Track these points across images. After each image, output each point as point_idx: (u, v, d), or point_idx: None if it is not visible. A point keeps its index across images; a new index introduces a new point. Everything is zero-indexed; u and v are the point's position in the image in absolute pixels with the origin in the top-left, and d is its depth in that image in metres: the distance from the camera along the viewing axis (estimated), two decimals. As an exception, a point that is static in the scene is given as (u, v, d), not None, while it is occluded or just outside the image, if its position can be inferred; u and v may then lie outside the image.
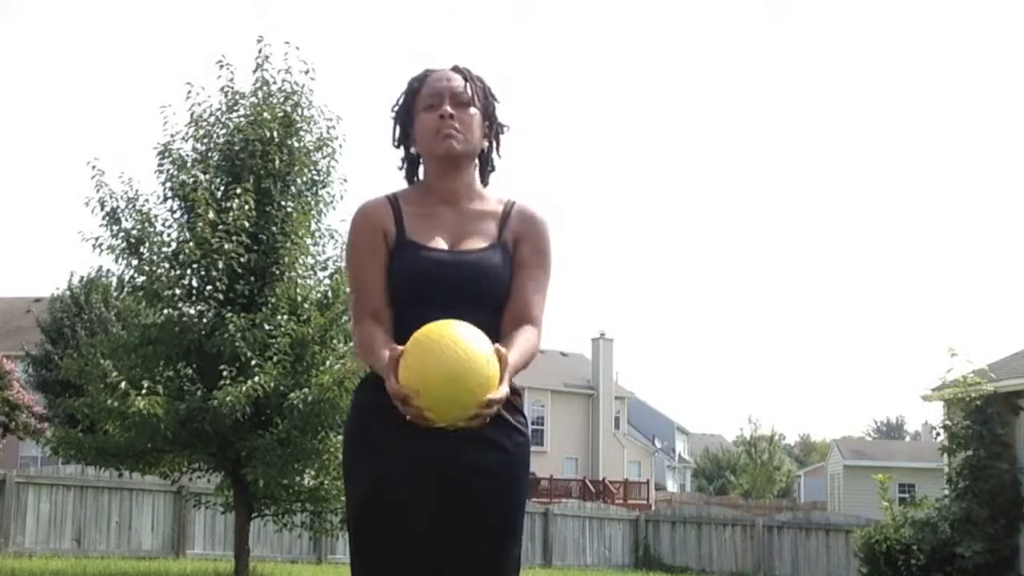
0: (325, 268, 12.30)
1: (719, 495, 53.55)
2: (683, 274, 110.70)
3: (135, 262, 11.37)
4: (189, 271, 11.33)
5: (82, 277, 28.41)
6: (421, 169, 2.64)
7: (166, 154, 11.71)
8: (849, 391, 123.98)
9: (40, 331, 29.05)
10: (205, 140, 11.83)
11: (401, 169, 2.67)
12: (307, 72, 12.03)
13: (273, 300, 11.16)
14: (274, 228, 11.54)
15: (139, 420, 10.50)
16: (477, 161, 2.62)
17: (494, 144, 2.65)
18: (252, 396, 10.55)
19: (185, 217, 11.58)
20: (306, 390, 10.76)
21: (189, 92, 11.82)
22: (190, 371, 11.33)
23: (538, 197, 2.65)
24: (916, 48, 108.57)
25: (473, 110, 2.56)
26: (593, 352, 46.93)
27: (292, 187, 11.91)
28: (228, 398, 10.40)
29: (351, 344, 11.61)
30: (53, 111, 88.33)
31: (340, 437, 10.35)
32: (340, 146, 12.21)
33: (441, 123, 2.51)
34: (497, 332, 2.43)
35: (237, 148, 11.66)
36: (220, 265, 11.01)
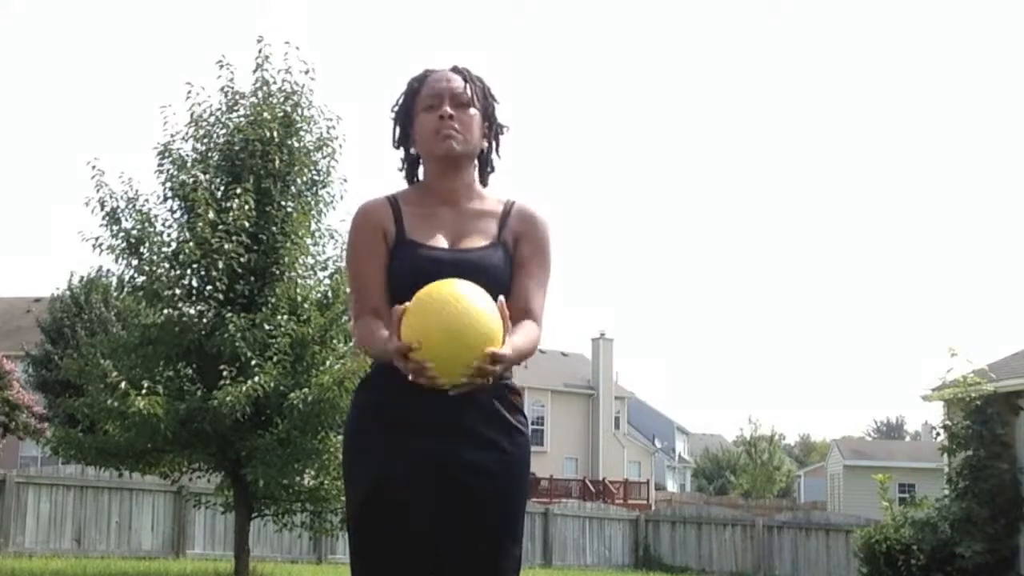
0: (325, 268, 12.30)
1: (719, 495, 53.57)
2: (683, 274, 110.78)
3: (135, 262, 11.38)
4: (189, 271, 11.33)
5: (82, 277, 28.43)
6: (421, 170, 2.65)
7: (166, 154, 11.71)
8: (849, 391, 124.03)
9: (40, 331, 29.05)
10: (205, 140, 11.83)
11: (401, 170, 2.68)
12: (307, 72, 12.05)
13: (273, 300, 11.16)
14: (274, 228, 11.54)
15: (139, 420, 10.51)
16: (477, 161, 2.62)
17: (494, 144, 2.65)
18: (252, 396, 10.55)
19: (185, 217, 11.58)
20: (306, 390, 10.76)
21: (189, 92, 11.83)
22: (190, 371, 11.33)
23: (538, 197, 2.66)
24: (916, 48, 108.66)
25: (473, 111, 2.56)
26: (593, 352, 46.94)
27: (292, 187, 11.92)
28: (228, 398, 10.41)
29: (351, 344, 11.62)
30: (53, 111, 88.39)
31: (340, 437, 10.35)
32: (340, 146, 12.22)
33: (441, 124, 2.52)
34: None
35: (237, 148, 11.66)
36: (220, 265, 11.01)
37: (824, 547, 21.39)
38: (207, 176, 11.54)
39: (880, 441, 63.01)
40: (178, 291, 11.03)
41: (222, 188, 11.58)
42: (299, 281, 11.63)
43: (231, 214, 11.08)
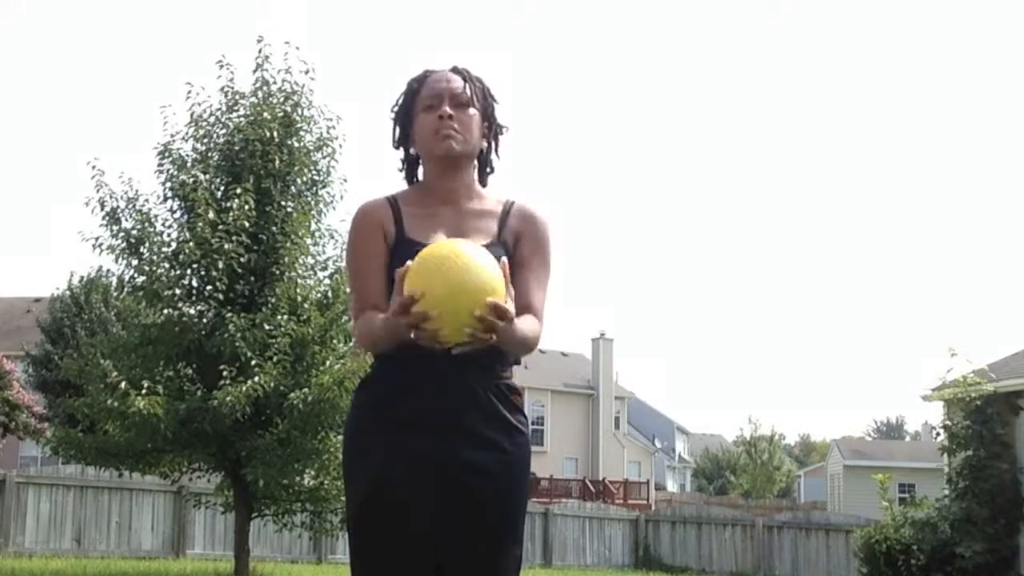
0: (325, 268, 12.31)
1: (719, 495, 53.56)
2: (683, 274, 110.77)
3: (135, 262, 11.38)
4: (189, 271, 11.33)
5: (82, 277, 28.43)
6: (421, 170, 2.65)
7: (166, 154, 11.72)
8: (849, 391, 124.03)
9: (40, 331, 29.05)
10: (205, 140, 11.83)
11: (401, 170, 2.68)
12: (307, 72, 12.05)
13: (273, 300, 11.16)
14: (274, 228, 11.54)
15: (139, 420, 10.51)
16: (476, 162, 2.62)
17: (493, 145, 2.65)
18: (252, 396, 10.55)
19: (185, 217, 11.58)
20: (306, 390, 10.76)
21: (189, 92, 11.84)
22: (190, 371, 11.33)
23: (538, 197, 2.66)
24: (916, 48, 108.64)
25: (472, 111, 2.56)
26: (593, 352, 46.94)
27: (292, 187, 11.92)
28: (228, 398, 10.41)
29: (351, 344, 11.62)
30: (53, 111, 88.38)
31: (340, 437, 10.35)
32: (340, 146, 12.23)
33: (440, 123, 2.52)
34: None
35: (237, 148, 11.67)
36: (220, 265, 11.01)
37: (824, 547, 21.39)
38: (207, 176, 11.54)
39: (880, 441, 63.00)
40: (178, 291, 11.03)
41: (222, 188, 11.58)
42: (299, 281, 11.63)
43: (231, 214, 11.08)
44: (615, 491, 38.56)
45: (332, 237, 12.33)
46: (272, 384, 10.70)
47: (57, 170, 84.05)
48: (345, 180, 12.53)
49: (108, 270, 12.02)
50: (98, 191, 11.44)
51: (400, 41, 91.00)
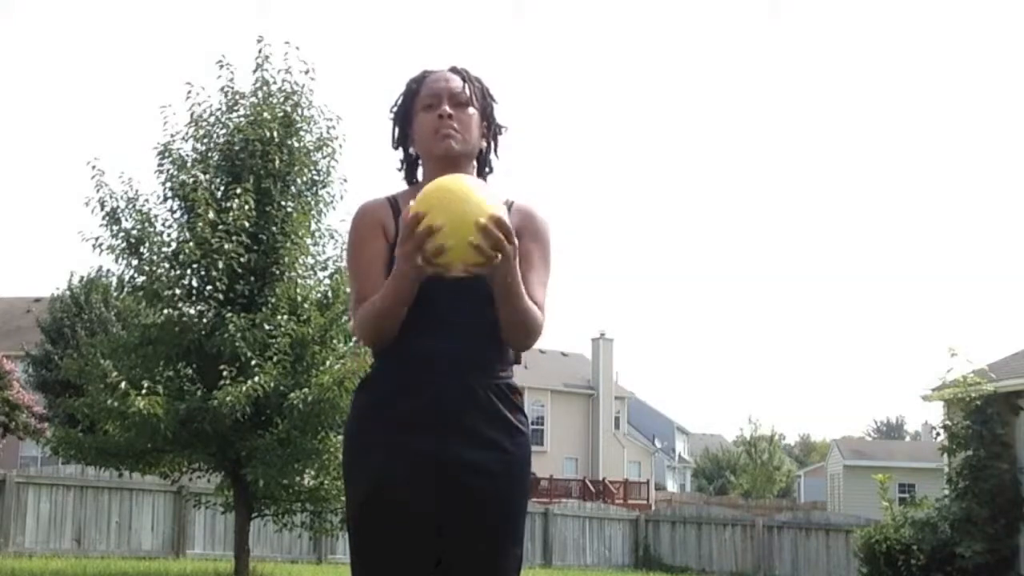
0: (325, 268, 12.31)
1: (719, 495, 53.56)
2: (683, 274, 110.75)
3: (135, 262, 11.38)
4: (189, 271, 11.33)
5: (82, 277, 28.43)
6: (420, 170, 2.65)
7: (166, 154, 11.72)
8: (849, 391, 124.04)
9: (40, 331, 29.05)
10: (205, 140, 11.83)
11: (400, 170, 2.68)
12: (307, 72, 12.05)
13: (273, 300, 11.16)
14: (274, 228, 11.55)
15: (139, 420, 10.51)
16: (475, 162, 2.62)
17: (492, 145, 2.65)
18: (252, 396, 10.55)
19: (185, 217, 11.58)
20: (306, 390, 10.76)
21: (189, 92, 11.84)
22: (190, 371, 11.33)
23: (538, 197, 2.66)
24: (916, 48, 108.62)
25: (471, 110, 2.56)
26: (593, 352, 46.93)
27: (292, 187, 11.92)
28: (228, 398, 10.41)
29: (351, 344, 11.63)
30: (53, 111, 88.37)
31: (340, 437, 10.36)
32: (340, 146, 12.23)
33: (440, 123, 2.52)
34: (499, 327, 2.42)
35: (237, 148, 11.67)
36: (220, 265, 11.01)
37: (824, 547, 21.39)
38: (207, 176, 11.54)
39: (880, 441, 63.00)
40: (178, 291, 11.03)
41: (222, 188, 11.58)
42: (299, 281, 11.63)
43: (231, 214, 11.08)
44: (615, 491, 38.56)
45: (332, 237, 12.35)
46: (272, 384, 10.70)
47: (57, 170, 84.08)
48: (345, 180, 12.55)
49: (108, 270, 12.03)
50: (98, 191, 11.45)
51: (400, 41, 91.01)
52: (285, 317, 11.11)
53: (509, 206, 2.60)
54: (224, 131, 11.84)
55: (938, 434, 15.50)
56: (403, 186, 2.67)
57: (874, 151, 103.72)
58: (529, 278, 2.48)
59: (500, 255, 2.18)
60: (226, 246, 11.00)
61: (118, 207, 11.46)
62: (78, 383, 12.08)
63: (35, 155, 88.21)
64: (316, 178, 12.16)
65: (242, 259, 11.19)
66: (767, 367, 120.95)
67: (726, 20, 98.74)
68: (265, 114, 11.67)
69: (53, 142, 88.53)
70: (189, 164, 11.71)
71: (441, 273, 2.22)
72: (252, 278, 11.47)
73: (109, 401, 10.71)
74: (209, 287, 11.14)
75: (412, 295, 2.32)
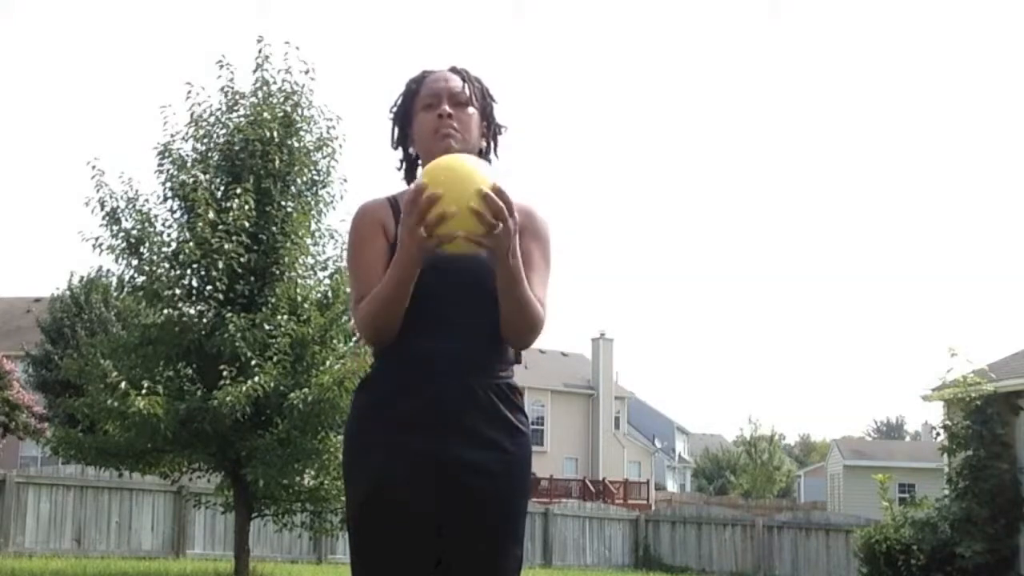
0: (325, 268, 12.31)
1: (719, 495, 53.56)
2: (683, 274, 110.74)
3: (135, 262, 11.38)
4: (189, 271, 11.33)
5: (82, 277, 28.44)
6: (420, 170, 2.64)
7: (166, 154, 11.72)
8: (849, 391, 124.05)
9: (40, 331, 29.05)
10: (205, 140, 11.84)
11: (400, 170, 2.68)
12: (307, 72, 12.06)
13: (273, 300, 11.16)
14: (274, 228, 11.55)
15: (139, 420, 10.51)
16: (475, 161, 2.62)
17: (492, 144, 2.65)
18: (252, 396, 10.55)
19: (185, 217, 11.58)
20: (306, 390, 10.76)
21: (189, 92, 11.85)
22: (190, 371, 11.34)
23: (538, 197, 2.65)
24: (916, 48, 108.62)
25: (471, 110, 2.56)
26: (593, 352, 46.93)
27: (292, 187, 11.92)
28: (228, 398, 10.41)
29: (351, 344, 11.63)
30: (53, 111, 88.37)
31: (340, 437, 10.36)
32: (340, 146, 12.24)
33: (439, 122, 2.52)
34: (499, 326, 2.42)
35: (237, 148, 11.67)
36: (220, 265, 11.01)
37: (824, 547, 21.39)
38: (207, 176, 11.54)
39: (880, 441, 63.00)
40: (178, 291, 11.03)
41: (222, 188, 11.59)
42: (299, 281, 11.63)
43: (231, 214, 11.08)
44: (615, 491, 38.56)
45: (332, 237, 12.35)
46: (272, 384, 10.70)
47: (57, 170, 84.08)
48: (345, 180, 12.56)
49: (108, 270, 12.03)
50: (98, 191, 11.46)
51: (400, 41, 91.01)
52: (285, 317, 11.11)
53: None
54: (224, 131, 11.84)
55: (938, 434, 15.50)
56: (403, 186, 2.67)
57: (874, 151, 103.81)
58: (530, 277, 2.47)
59: (501, 224, 2.18)
60: (226, 246, 11.00)
61: (118, 207, 11.46)
62: (78, 383, 12.08)
63: (35, 155, 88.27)
64: (316, 178, 12.17)
65: (242, 259, 11.19)
66: (767, 367, 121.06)
67: (726, 20, 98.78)
68: (265, 114, 11.67)
69: (53, 142, 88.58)
70: (189, 164, 11.71)
71: (444, 247, 2.21)
72: (252, 278, 11.47)
73: (109, 401, 10.72)
74: (209, 287, 11.14)
75: (414, 278, 2.30)
